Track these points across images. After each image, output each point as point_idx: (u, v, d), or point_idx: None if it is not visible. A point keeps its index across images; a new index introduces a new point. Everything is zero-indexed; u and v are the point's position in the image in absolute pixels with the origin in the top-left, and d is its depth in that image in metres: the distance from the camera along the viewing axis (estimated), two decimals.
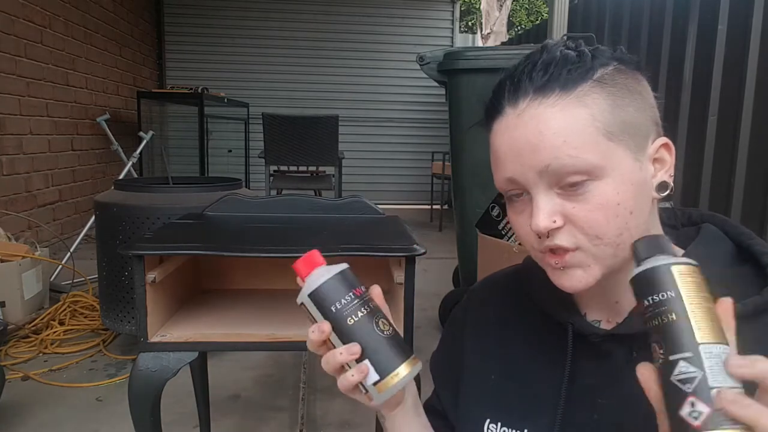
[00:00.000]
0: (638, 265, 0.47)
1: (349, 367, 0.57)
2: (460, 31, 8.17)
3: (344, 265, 0.60)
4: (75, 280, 3.07)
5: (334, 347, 0.57)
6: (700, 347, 0.42)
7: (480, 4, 9.63)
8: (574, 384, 0.60)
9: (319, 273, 0.59)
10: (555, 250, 0.55)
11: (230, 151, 6.45)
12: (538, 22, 12.42)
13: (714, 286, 0.56)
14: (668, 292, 0.44)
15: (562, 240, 0.55)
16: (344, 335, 0.57)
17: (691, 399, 0.40)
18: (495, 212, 2.45)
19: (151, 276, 1.03)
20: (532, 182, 0.54)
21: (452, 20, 7.15)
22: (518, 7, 14.31)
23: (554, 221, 0.54)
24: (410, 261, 1.04)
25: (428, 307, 2.91)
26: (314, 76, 6.86)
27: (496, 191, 0.59)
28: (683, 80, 2.85)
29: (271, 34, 6.82)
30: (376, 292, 0.61)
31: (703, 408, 0.40)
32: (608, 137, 0.53)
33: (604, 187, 0.53)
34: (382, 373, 0.56)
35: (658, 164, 0.57)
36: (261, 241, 1.15)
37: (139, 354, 1.04)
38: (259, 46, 6.80)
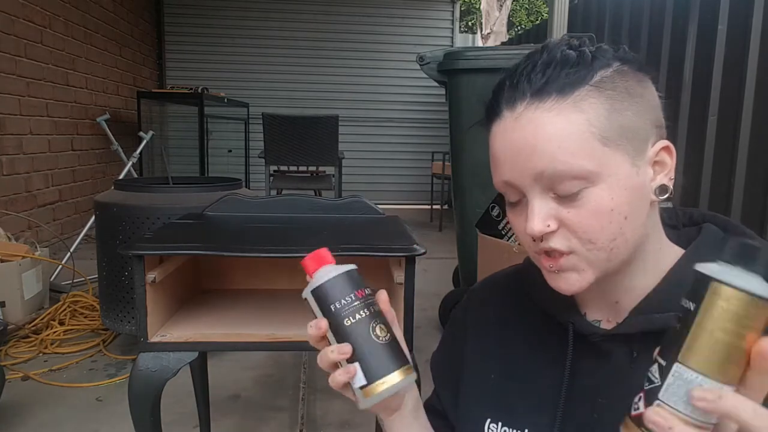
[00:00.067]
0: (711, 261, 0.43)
1: (341, 366, 0.57)
2: (460, 31, 8.18)
3: (352, 266, 0.60)
4: (75, 280, 3.07)
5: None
6: (675, 365, 0.42)
7: (480, 4, 9.63)
8: (574, 383, 0.60)
9: (325, 270, 0.59)
10: (550, 253, 0.56)
11: (230, 151, 6.45)
12: (538, 22, 12.42)
13: None
14: (692, 303, 0.42)
15: (556, 243, 0.55)
16: (340, 335, 0.57)
17: (641, 394, 0.44)
18: (495, 212, 2.45)
19: (151, 276, 1.03)
20: (527, 186, 0.55)
21: (452, 20, 7.15)
22: (518, 7, 14.30)
23: (548, 225, 0.54)
24: (410, 261, 1.04)
25: (428, 307, 2.91)
26: (314, 76, 6.86)
27: (496, 191, 0.59)
28: (683, 80, 2.85)
29: (271, 34, 6.82)
30: (382, 297, 0.60)
31: (641, 407, 0.43)
32: (604, 143, 0.53)
33: (599, 192, 0.53)
34: (370, 378, 0.56)
35: (658, 167, 0.56)
36: (261, 241, 1.15)
37: (139, 354, 1.04)
38: (259, 46, 6.80)
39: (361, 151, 6.81)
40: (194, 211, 1.39)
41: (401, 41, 6.89)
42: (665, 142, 0.56)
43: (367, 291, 0.58)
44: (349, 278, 0.58)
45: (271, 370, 2.34)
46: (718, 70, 2.63)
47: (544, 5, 13.63)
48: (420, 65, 2.64)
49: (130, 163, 4.29)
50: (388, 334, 0.57)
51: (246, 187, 5.17)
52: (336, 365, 0.58)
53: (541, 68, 0.54)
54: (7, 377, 1.97)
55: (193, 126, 5.09)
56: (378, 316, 0.58)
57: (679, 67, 2.88)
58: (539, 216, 0.54)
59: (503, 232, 2.39)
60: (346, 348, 0.56)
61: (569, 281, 0.56)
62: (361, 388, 0.56)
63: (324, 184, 4.75)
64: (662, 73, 3.03)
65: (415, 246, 1.04)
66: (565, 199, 0.54)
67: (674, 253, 0.60)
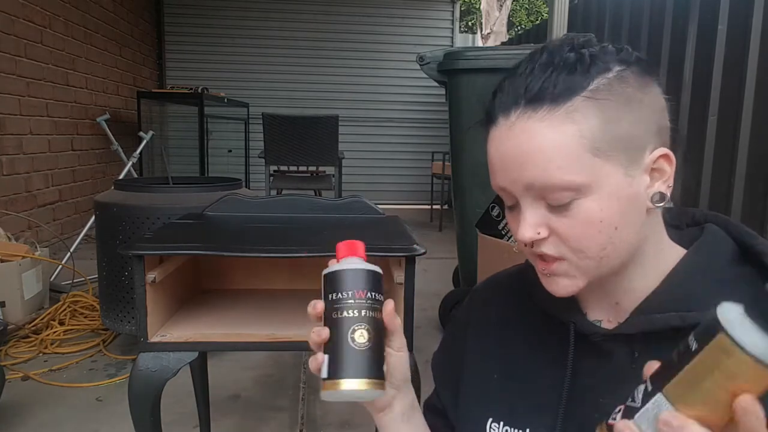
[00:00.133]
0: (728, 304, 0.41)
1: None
2: (460, 31, 8.17)
3: (375, 268, 0.60)
4: (75, 280, 3.07)
5: None
6: (658, 394, 0.42)
7: (480, 4, 9.63)
8: (575, 383, 0.60)
9: (347, 261, 0.59)
10: (543, 257, 0.57)
11: (230, 151, 6.45)
12: (538, 22, 12.42)
13: (715, 287, 0.56)
14: (696, 343, 0.41)
15: (547, 249, 0.56)
16: (326, 323, 0.58)
17: (621, 407, 0.46)
18: (495, 212, 2.45)
19: (151, 276, 1.03)
20: (519, 194, 0.56)
21: (452, 20, 7.15)
22: (518, 7, 14.30)
23: (538, 233, 0.55)
24: (410, 261, 1.04)
25: (428, 307, 2.91)
26: (314, 76, 6.86)
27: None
28: (683, 80, 2.85)
29: (271, 34, 6.82)
30: (387, 308, 0.60)
31: (617, 419, 0.46)
32: (595, 154, 0.52)
33: (589, 204, 0.53)
34: (330, 374, 0.56)
35: (657, 173, 0.55)
36: (261, 241, 1.15)
37: (139, 354, 1.04)
38: (259, 46, 6.80)
39: (361, 151, 6.81)
40: (194, 211, 1.39)
41: (401, 41, 6.89)
42: (664, 150, 0.55)
43: (371, 295, 0.58)
44: (359, 277, 0.58)
45: (271, 370, 2.34)
46: (718, 70, 2.63)
47: (544, 5, 13.63)
48: (420, 65, 2.64)
49: (130, 163, 4.29)
50: (368, 343, 0.56)
51: (246, 187, 5.17)
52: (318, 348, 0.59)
53: (538, 72, 0.54)
54: (7, 377, 1.97)
55: (193, 126, 5.09)
56: (367, 322, 0.57)
57: (679, 67, 2.88)
58: (530, 224, 0.55)
59: (503, 232, 2.39)
60: (324, 333, 0.57)
61: (561, 285, 0.58)
62: (323, 379, 0.57)
63: (324, 184, 4.75)
64: (662, 73, 3.03)
65: (415, 246, 1.04)
66: (557, 208, 0.54)
67: (676, 253, 0.59)
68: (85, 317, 2.76)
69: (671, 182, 0.56)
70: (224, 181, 2.39)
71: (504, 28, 9.01)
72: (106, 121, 4.53)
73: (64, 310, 2.75)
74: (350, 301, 0.57)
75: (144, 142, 4.48)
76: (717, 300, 0.54)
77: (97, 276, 2.41)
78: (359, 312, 0.57)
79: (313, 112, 4.58)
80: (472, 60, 2.42)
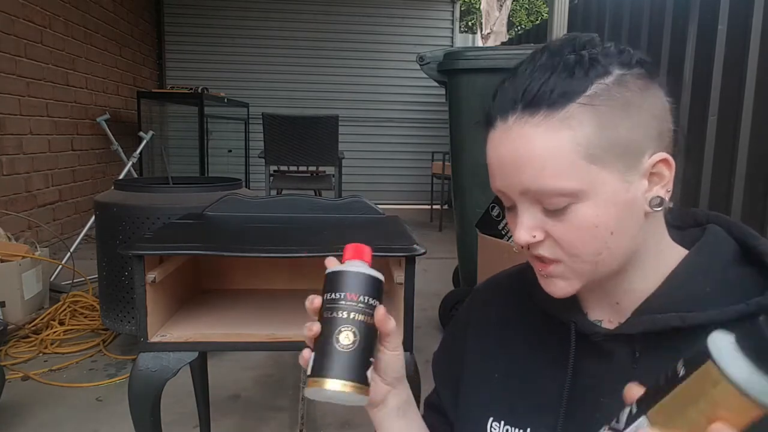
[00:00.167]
0: (719, 333, 0.41)
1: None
2: (460, 31, 8.17)
3: (376, 274, 0.60)
4: (75, 280, 3.07)
5: None
6: (642, 417, 0.43)
7: (480, 4, 9.63)
8: (576, 383, 0.60)
9: (350, 264, 0.60)
10: (540, 258, 0.58)
11: (230, 151, 6.46)
12: (538, 22, 12.42)
13: (716, 288, 0.56)
14: (684, 369, 0.41)
15: (544, 251, 0.57)
16: (319, 321, 0.59)
17: (606, 427, 0.47)
18: (495, 212, 2.45)
19: (151, 276, 1.03)
20: (516, 197, 0.56)
21: (452, 20, 7.15)
22: (518, 7, 14.31)
23: (534, 236, 0.56)
24: (410, 261, 1.04)
25: (428, 307, 2.91)
26: (314, 76, 6.86)
27: None
28: (683, 80, 2.85)
29: (271, 34, 6.82)
30: (379, 312, 0.60)
31: None
32: (590, 160, 0.52)
33: (584, 209, 0.53)
34: (312, 372, 0.57)
35: (656, 178, 0.55)
36: (261, 241, 1.15)
37: (139, 354, 1.04)
38: (259, 46, 6.80)
39: (361, 151, 6.81)
40: (194, 211, 1.39)
41: (401, 41, 6.89)
42: (663, 155, 0.55)
43: (364, 299, 0.58)
44: (353, 279, 0.59)
45: (271, 370, 2.34)
46: (718, 70, 2.63)
47: (544, 5, 13.63)
48: (420, 65, 2.64)
49: (130, 163, 4.29)
50: (352, 345, 0.57)
51: (246, 187, 5.17)
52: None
53: (537, 75, 0.53)
54: (7, 377, 1.97)
55: (193, 126, 5.09)
56: (355, 325, 0.57)
57: (679, 67, 2.88)
58: (525, 227, 0.56)
59: (503, 232, 2.39)
60: (315, 327, 0.58)
61: (557, 286, 0.58)
62: (307, 376, 0.58)
63: (324, 184, 4.75)
64: (662, 73, 3.02)
65: (415, 246, 1.04)
66: (553, 212, 0.54)
67: (677, 254, 0.59)
68: (85, 317, 2.76)
69: (670, 187, 0.56)
70: (224, 181, 2.39)
71: (504, 28, 9.01)
72: (106, 121, 4.53)
73: (64, 310, 2.75)
74: (341, 302, 0.58)
75: (144, 142, 4.48)
76: (718, 300, 0.54)
77: (97, 276, 2.41)
78: (348, 314, 0.57)
79: (313, 112, 4.58)
80: (472, 60, 2.43)
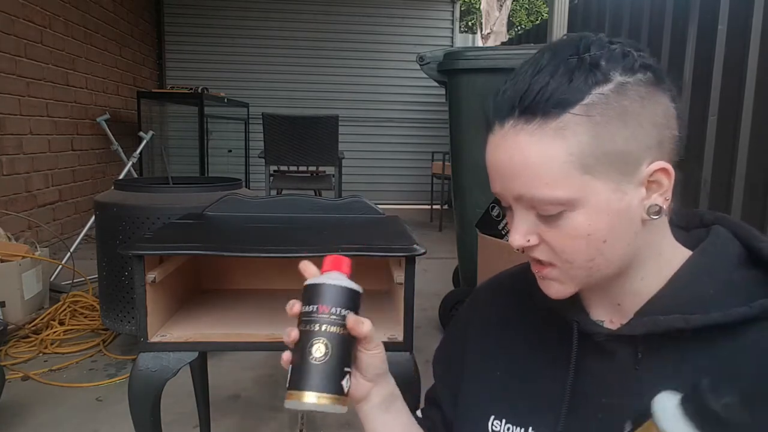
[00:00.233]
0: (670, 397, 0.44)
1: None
2: (460, 31, 8.17)
3: (346, 284, 0.61)
4: (75, 280, 3.07)
5: None
6: None
7: (480, 4, 9.63)
8: (577, 382, 0.60)
9: (327, 275, 0.62)
10: (536, 260, 0.59)
11: (230, 151, 6.45)
12: (538, 22, 12.42)
13: (720, 290, 0.55)
14: (630, 425, 0.44)
15: (539, 254, 0.58)
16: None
17: None
18: (495, 212, 2.45)
19: (151, 276, 1.03)
20: (511, 202, 0.57)
21: (452, 20, 7.15)
22: (518, 7, 14.30)
23: (528, 240, 0.57)
24: (410, 261, 1.04)
25: (428, 307, 2.91)
26: (314, 76, 6.86)
27: None
28: (683, 80, 2.85)
29: (271, 34, 6.82)
30: (350, 319, 0.61)
31: None
32: (584, 170, 0.52)
33: (576, 218, 0.53)
34: (290, 384, 0.59)
35: (654, 186, 0.55)
36: (261, 241, 1.15)
37: (139, 354, 1.04)
38: (259, 46, 6.80)
39: (361, 151, 6.81)
40: (194, 211, 1.39)
41: (401, 41, 6.88)
42: (661, 164, 0.54)
43: (336, 311, 0.59)
44: (325, 292, 0.60)
45: (271, 370, 2.34)
46: (718, 70, 2.63)
47: (544, 5, 13.63)
48: (420, 65, 2.64)
49: (130, 163, 4.28)
50: (324, 357, 0.58)
51: (246, 187, 5.17)
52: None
53: (537, 78, 0.53)
54: (7, 377, 1.97)
55: (193, 126, 5.09)
56: (327, 337, 0.59)
57: (679, 67, 2.88)
58: (520, 232, 0.57)
59: (503, 232, 2.39)
60: (293, 334, 0.60)
61: (553, 289, 0.59)
62: (286, 388, 0.59)
63: (324, 184, 4.75)
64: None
65: (415, 246, 1.04)
66: (546, 218, 0.55)
67: (681, 255, 0.59)
68: (85, 317, 2.76)
69: (669, 195, 0.55)
70: (224, 181, 2.39)
71: (504, 28, 9.01)
72: (106, 121, 4.53)
73: (64, 310, 2.75)
74: (314, 315, 0.59)
75: (144, 142, 4.48)
76: (722, 302, 0.54)
77: (97, 276, 2.41)
78: (320, 326, 0.59)
79: (313, 112, 4.57)
80: (472, 60, 2.42)
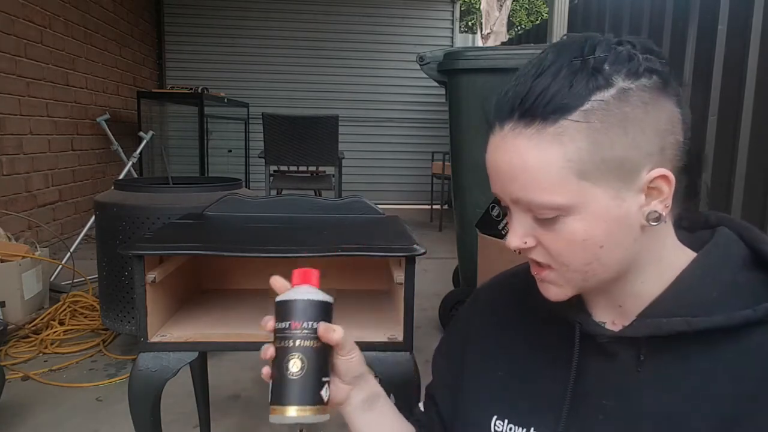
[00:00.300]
0: None
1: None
2: (460, 31, 8.17)
3: (315, 297, 0.62)
4: (75, 280, 3.07)
5: None
6: None
7: (480, 4, 9.63)
8: (579, 383, 0.60)
9: (296, 290, 0.63)
10: (534, 262, 0.59)
11: (230, 151, 6.45)
12: (538, 22, 12.42)
13: (724, 292, 0.55)
14: None
15: (536, 256, 0.58)
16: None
17: None
18: (495, 212, 2.45)
19: (151, 276, 1.03)
20: (509, 204, 0.57)
21: (452, 20, 7.15)
22: (518, 7, 14.30)
23: (525, 242, 0.57)
24: (410, 261, 1.04)
25: (428, 307, 2.91)
26: (314, 76, 6.86)
27: None
28: (683, 80, 2.85)
29: (271, 34, 6.82)
30: (320, 329, 0.62)
31: None
32: (581, 176, 0.52)
33: (573, 223, 0.53)
34: (271, 399, 0.61)
35: (654, 192, 0.54)
36: (261, 241, 1.15)
37: (139, 354, 1.04)
38: (259, 46, 6.80)
39: (361, 151, 6.81)
40: (194, 211, 1.39)
41: (401, 41, 6.88)
42: (661, 171, 0.53)
43: (308, 325, 0.61)
44: (295, 308, 0.61)
45: None
46: (718, 70, 2.63)
47: (544, 5, 13.63)
48: (420, 65, 2.63)
49: (130, 163, 4.28)
50: (300, 372, 0.60)
51: (246, 187, 5.17)
52: None
53: (539, 80, 0.52)
54: (7, 377, 1.97)
55: (193, 126, 5.09)
56: (301, 351, 0.60)
57: (679, 67, 2.88)
58: (517, 234, 0.57)
59: (503, 232, 2.39)
60: (269, 351, 0.62)
61: (550, 291, 0.59)
62: (269, 403, 0.61)
63: (324, 184, 4.75)
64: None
65: (415, 246, 1.04)
66: (543, 221, 0.55)
67: (685, 257, 0.58)
68: (85, 317, 2.76)
69: (669, 202, 0.54)
70: (224, 181, 2.39)
71: (504, 28, 9.01)
72: (106, 121, 4.53)
73: (64, 310, 2.75)
74: (287, 331, 0.61)
75: (144, 142, 4.48)
76: (726, 305, 0.53)
77: (97, 276, 2.41)
78: (293, 342, 0.60)
79: (313, 112, 4.57)
80: (472, 60, 2.42)
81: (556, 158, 0.52)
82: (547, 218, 0.54)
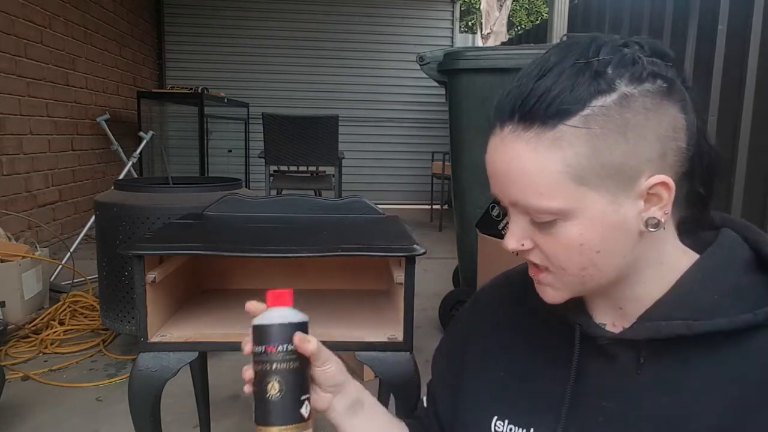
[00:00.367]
0: None
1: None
2: (460, 31, 8.17)
3: (288, 320, 0.64)
4: (75, 280, 3.07)
5: None
6: None
7: (480, 4, 9.63)
8: (579, 384, 0.60)
9: (271, 313, 0.64)
10: (533, 263, 0.59)
11: (230, 151, 6.45)
12: (538, 22, 12.42)
13: (727, 294, 0.55)
14: None
15: (533, 258, 0.58)
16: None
17: None
18: (495, 212, 2.44)
19: (151, 276, 1.03)
20: (508, 205, 0.57)
21: (452, 20, 7.15)
22: (518, 7, 14.30)
23: (522, 245, 0.57)
24: (410, 261, 1.04)
25: (428, 307, 2.91)
26: (314, 76, 6.86)
27: None
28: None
29: (271, 34, 6.82)
30: (295, 339, 0.63)
31: None
32: (579, 182, 0.51)
33: (570, 228, 0.53)
34: (255, 419, 0.63)
35: (654, 198, 0.53)
36: (261, 241, 1.15)
37: (139, 354, 1.04)
38: (259, 46, 6.80)
39: (361, 151, 6.81)
40: (194, 211, 1.39)
41: (401, 41, 6.88)
42: (661, 178, 0.52)
43: (283, 347, 0.62)
44: (269, 333, 0.63)
45: None
46: (718, 70, 2.63)
47: (544, 5, 13.62)
48: (420, 65, 2.63)
49: (130, 163, 4.28)
50: (279, 393, 0.62)
51: (246, 187, 5.17)
52: None
53: (540, 83, 0.52)
54: (7, 377, 1.97)
55: (193, 126, 5.09)
56: (278, 374, 0.62)
57: (679, 68, 2.88)
58: (515, 236, 0.57)
59: (503, 232, 2.38)
60: (249, 373, 0.64)
61: (548, 293, 0.59)
62: (254, 422, 0.64)
63: (324, 184, 4.75)
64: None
65: (415, 246, 1.04)
66: (540, 224, 0.55)
67: (687, 259, 0.58)
68: (85, 317, 2.76)
69: (668, 209, 0.54)
70: (224, 181, 2.39)
71: (504, 28, 9.01)
72: (106, 121, 4.53)
73: (64, 310, 2.75)
74: (263, 356, 0.63)
75: (144, 142, 4.48)
76: (728, 308, 0.53)
77: (97, 276, 2.41)
78: (270, 365, 0.62)
79: (313, 112, 4.57)
80: (472, 60, 2.42)
81: (554, 163, 0.51)
82: (544, 222, 0.54)
